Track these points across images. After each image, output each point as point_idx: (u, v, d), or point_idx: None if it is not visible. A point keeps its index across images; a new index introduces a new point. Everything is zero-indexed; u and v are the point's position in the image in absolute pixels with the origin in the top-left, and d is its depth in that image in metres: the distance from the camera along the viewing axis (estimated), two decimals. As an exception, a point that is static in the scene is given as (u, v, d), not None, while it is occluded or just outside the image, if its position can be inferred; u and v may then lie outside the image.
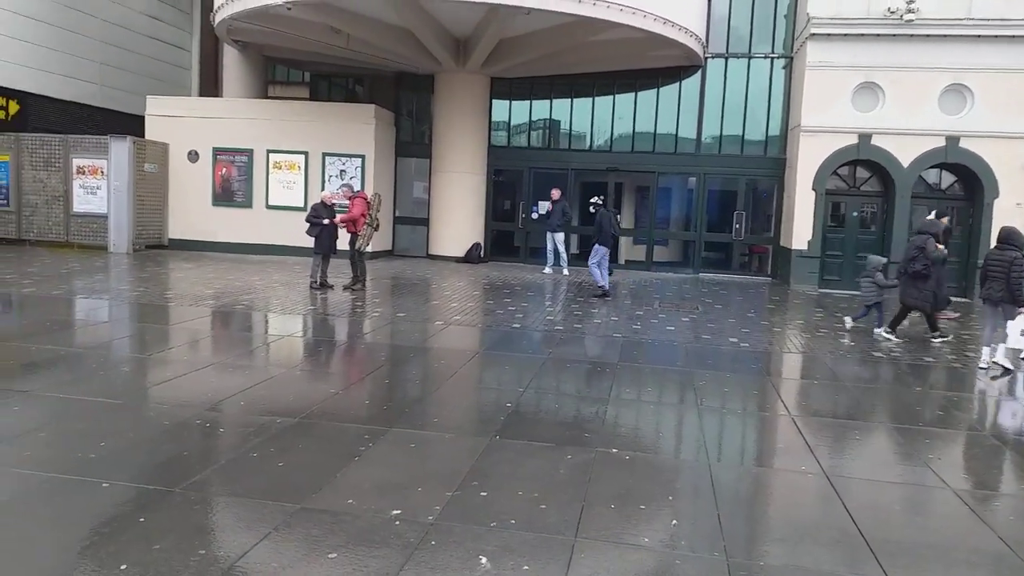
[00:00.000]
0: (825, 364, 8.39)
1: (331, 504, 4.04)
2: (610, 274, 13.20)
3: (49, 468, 4.34)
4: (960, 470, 5.23)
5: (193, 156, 17.08)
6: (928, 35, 14.63)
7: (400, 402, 6.22)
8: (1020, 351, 8.52)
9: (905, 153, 14.93)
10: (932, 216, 11.30)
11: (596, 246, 12.78)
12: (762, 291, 15.04)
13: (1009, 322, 8.35)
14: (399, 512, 3.95)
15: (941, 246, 10.00)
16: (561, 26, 14.46)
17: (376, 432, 5.23)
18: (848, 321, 10.85)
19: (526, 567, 3.46)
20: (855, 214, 15.93)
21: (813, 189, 15.39)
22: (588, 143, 17.88)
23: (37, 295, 10.40)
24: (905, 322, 10.45)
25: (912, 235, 10.11)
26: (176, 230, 17.24)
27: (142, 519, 3.76)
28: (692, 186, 17.69)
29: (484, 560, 3.49)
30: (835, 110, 15.09)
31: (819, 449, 5.32)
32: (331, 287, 12.06)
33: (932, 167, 15.21)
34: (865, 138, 15.09)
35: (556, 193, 16.29)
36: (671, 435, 5.84)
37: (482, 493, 4.25)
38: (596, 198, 13.28)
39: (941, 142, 14.82)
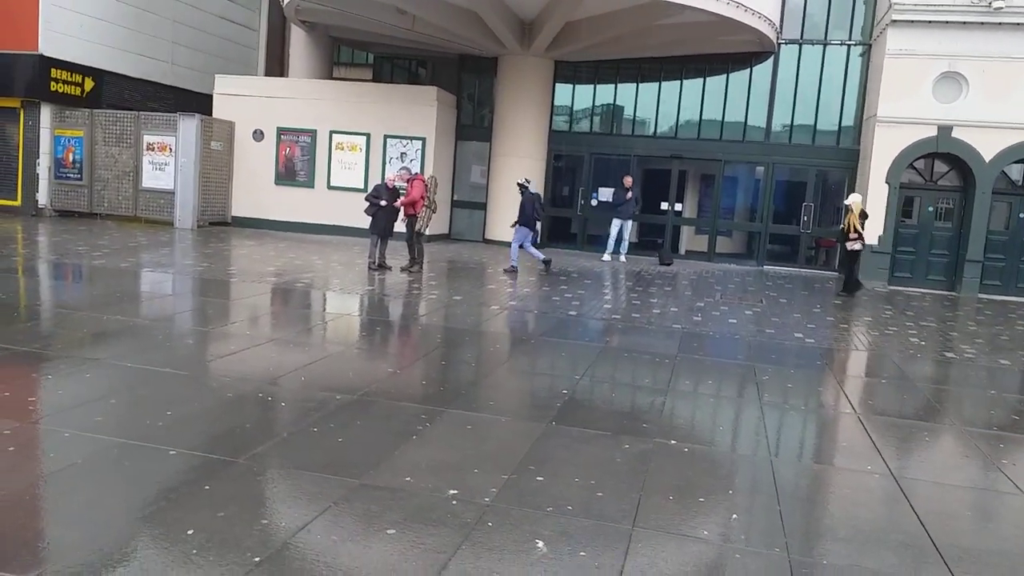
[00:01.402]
0: (893, 363, 8.08)
1: (389, 481, 4.05)
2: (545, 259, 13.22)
3: (119, 434, 4.46)
4: (1040, 479, 4.97)
5: (258, 135, 17.38)
6: (1018, 23, 13.91)
7: (456, 384, 6.22)
8: None
9: (988, 147, 14.27)
10: None
11: (518, 227, 12.87)
12: (828, 286, 14.60)
13: None
14: (456, 492, 3.94)
15: None
16: (630, 8, 14.22)
17: (433, 412, 5.23)
18: None
19: (583, 553, 3.40)
20: (930, 209, 15.32)
21: (887, 182, 14.85)
22: (652, 129, 17.59)
23: (107, 267, 10.74)
24: None
25: None
26: (239, 208, 17.61)
27: (207, 487, 3.82)
28: (759, 176, 17.25)
29: (541, 544, 3.45)
30: (914, 100, 14.50)
31: (885, 449, 5.12)
32: (389, 268, 12.15)
33: (1017, 162, 14.51)
34: (945, 130, 14.46)
35: (629, 180, 16.04)
36: (731, 429, 5.69)
37: (538, 478, 4.21)
38: (522, 178, 13.20)
39: (1028, 136, 14.12)
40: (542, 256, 13.28)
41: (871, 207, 14.93)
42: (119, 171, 16.89)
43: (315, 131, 17.08)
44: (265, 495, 3.83)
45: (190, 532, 3.34)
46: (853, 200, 13.11)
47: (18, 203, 17.06)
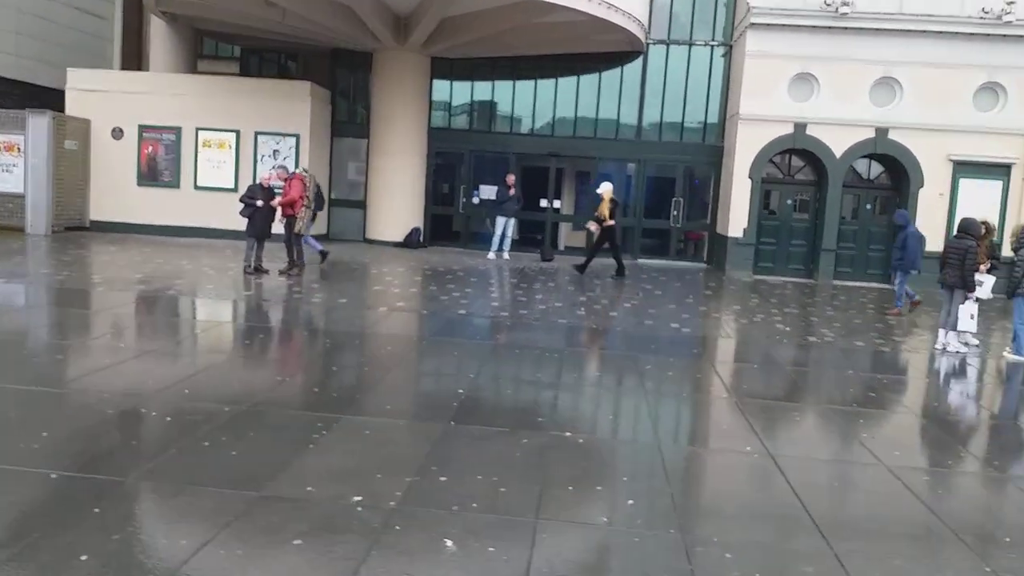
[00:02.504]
0: (761, 348, 8.65)
1: (290, 492, 3.98)
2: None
3: (-12, 460, 4.13)
4: (895, 447, 5.47)
5: (117, 133, 16.36)
6: (861, 28, 15.12)
7: (350, 389, 6.15)
8: (967, 333, 8.97)
9: (838, 143, 15.44)
10: None
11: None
12: (699, 278, 15.38)
13: (960, 307, 8.78)
14: (360, 498, 3.92)
15: None
16: (505, 7, 14.38)
17: (328, 419, 5.16)
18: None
19: (491, 548, 3.48)
20: (789, 202, 16.42)
21: (749, 177, 15.78)
22: (530, 127, 17.88)
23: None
24: None
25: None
26: (99, 211, 16.50)
27: (97, 509, 3.62)
28: (632, 172, 17.90)
29: (449, 543, 3.50)
30: (772, 99, 15.48)
31: (760, 430, 5.49)
32: (266, 272, 11.75)
33: (863, 157, 15.77)
34: (800, 127, 15.53)
35: (511, 179, 16.22)
36: (621, 418, 5.94)
37: (442, 478, 4.25)
38: (299, 168, 13.22)
39: (871, 133, 15.37)
40: (320, 247, 13.00)
41: (735, 201, 15.86)
42: (-38, 172, 15.44)
43: (180, 128, 16.25)
44: (161, 514, 3.67)
45: (84, 558, 3.17)
46: (604, 189, 14.03)
47: None
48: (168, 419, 5.03)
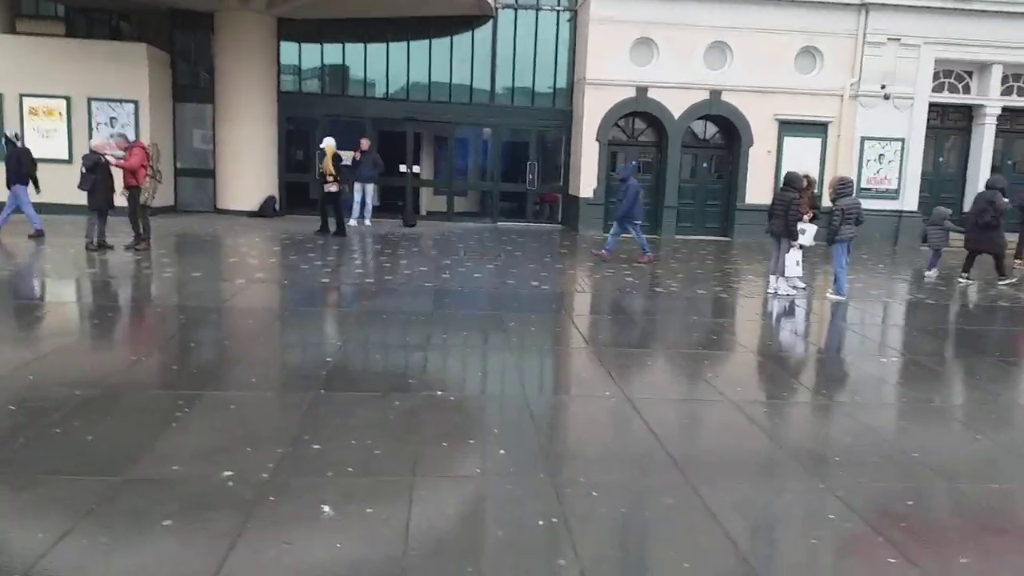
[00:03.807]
0: (613, 301, 9.15)
1: (155, 473, 3.89)
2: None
3: None
4: (737, 384, 6.02)
5: (-80, 102, 14.69)
6: (695, -8, 15.93)
7: (211, 365, 6.00)
8: (795, 278, 9.83)
9: (676, 105, 16.28)
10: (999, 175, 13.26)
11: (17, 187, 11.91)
12: (555, 238, 15.88)
13: (786, 255, 9.60)
14: (231, 474, 3.89)
15: (1006, 200, 11.58)
16: (351, -33, 14.03)
17: (190, 397, 5.03)
18: (930, 274, 11.96)
19: (369, 510, 3.58)
20: (633, 163, 17.17)
21: (597, 140, 16.36)
22: (384, 91, 17.62)
23: None
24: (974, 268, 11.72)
25: (981, 190, 12.06)
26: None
27: (-64, 511, 3.41)
28: (487, 137, 18.09)
29: (327, 508, 3.57)
30: (615, 64, 16.05)
31: (617, 376, 5.88)
32: (111, 247, 11.07)
33: (699, 119, 16.73)
34: (642, 91, 16.23)
35: (365, 143, 15.94)
36: (489, 375, 6.16)
37: (314, 446, 4.29)
38: (10, 132, 12.95)
39: (706, 95, 16.32)
40: (39, 224, 12.04)
41: (585, 163, 16.42)
42: None
43: (1, 95, 14.79)
44: (14, 508, 3.49)
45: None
46: (327, 144, 14.00)
47: None
48: (11, 408, 4.73)
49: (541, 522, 3.52)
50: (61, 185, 13.81)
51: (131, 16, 18.11)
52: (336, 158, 13.80)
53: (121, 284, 9.05)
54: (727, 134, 17.06)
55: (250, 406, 4.97)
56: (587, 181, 16.46)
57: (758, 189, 16.62)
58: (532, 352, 6.76)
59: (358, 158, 15.77)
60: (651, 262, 12.21)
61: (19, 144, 12.19)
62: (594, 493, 3.83)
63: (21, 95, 14.87)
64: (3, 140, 11.91)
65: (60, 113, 15.02)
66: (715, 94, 16.32)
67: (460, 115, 17.67)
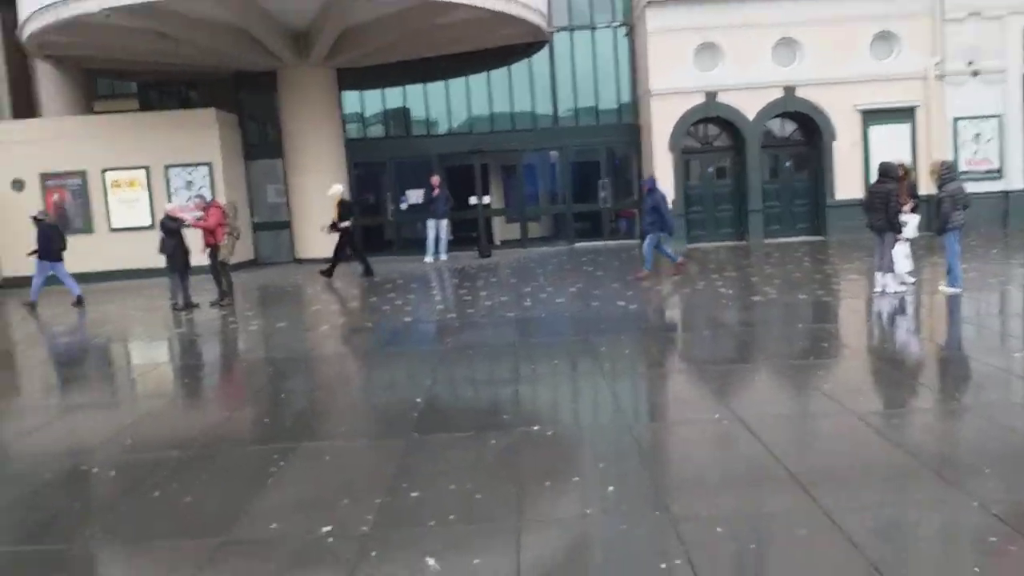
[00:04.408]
0: (709, 314, 8.69)
1: (254, 532, 3.73)
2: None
3: (-89, 551, 3.76)
4: (857, 393, 5.51)
5: (18, 185, 15.53)
6: (754, -7, 15.45)
7: (303, 416, 5.88)
8: (903, 274, 9.15)
9: (749, 106, 15.73)
10: None
11: (40, 261, 12.33)
12: (635, 254, 15.44)
13: (892, 250, 8.94)
14: (329, 528, 3.70)
15: None
16: (403, 11, 14.15)
17: (284, 450, 4.90)
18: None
19: (476, 560, 3.32)
20: (710, 169, 16.67)
21: (670, 150, 15.95)
22: (448, 127, 17.71)
23: None
24: None
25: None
26: (11, 267, 15.63)
27: (44, 586, 3.32)
28: (555, 159, 17.92)
29: (431, 562, 3.32)
30: (680, 72, 15.66)
31: (724, 396, 5.46)
32: (196, 306, 11.27)
33: (775, 117, 16.13)
34: (711, 96, 15.77)
35: (436, 180, 15.97)
36: (586, 404, 5.84)
37: (413, 494, 4.06)
38: (36, 211, 12.99)
39: (779, 93, 15.73)
40: (78, 290, 12.48)
41: (659, 175, 15.98)
42: None
43: (85, 171, 15.53)
44: (115, 581, 3.38)
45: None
46: (334, 191, 14.04)
47: None
48: (112, 474, 4.69)
49: (663, 565, 3.17)
50: (147, 251, 14.31)
51: (198, 84, 18.87)
52: (343, 204, 13.90)
53: (209, 341, 9.15)
54: (807, 130, 16.37)
55: (344, 455, 4.80)
56: (664, 192, 15.96)
57: (848, 183, 15.84)
58: (629, 376, 6.41)
59: (436, 194, 15.75)
60: (646, 278, 11.36)
61: (46, 222, 12.65)
62: (718, 528, 3.46)
63: (103, 170, 15.55)
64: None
65: (140, 183, 15.61)
66: (789, 91, 15.71)
67: (525, 141, 17.56)
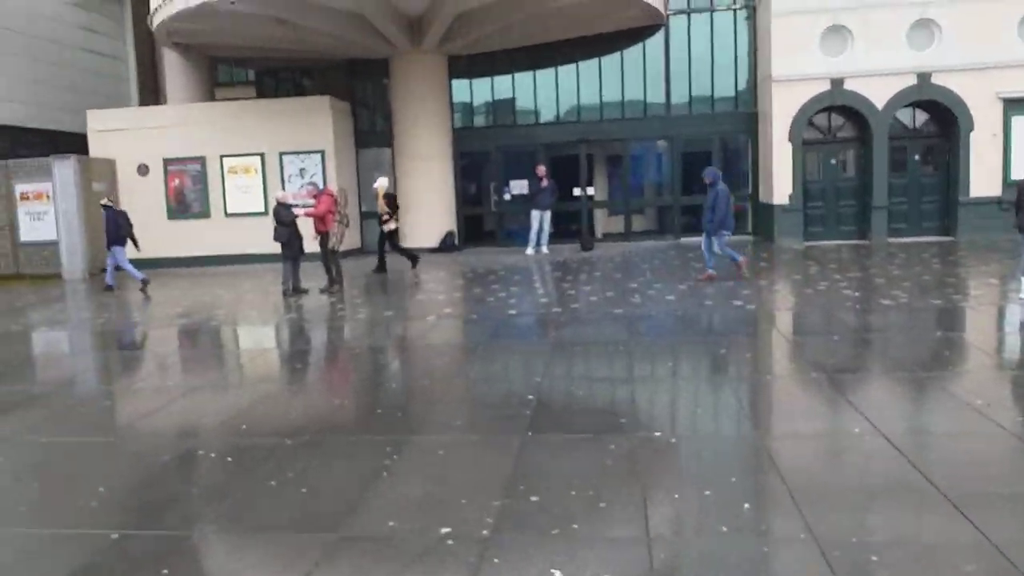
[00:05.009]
0: (836, 317, 8.11)
1: (371, 529, 3.62)
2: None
3: (48, 523, 3.86)
4: (1014, 410, 4.95)
5: (143, 170, 16.29)
6: (890, -29, 14.43)
7: (414, 407, 5.78)
8: None
9: (878, 95, 14.73)
10: None
11: (115, 247, 12.80)
12: (747, 250, 14.78)
13: None
14: (448, 530, 3.53)
15: None
16: (517, -5, 13.96)
17: (397, 443, 4.80)
18: None
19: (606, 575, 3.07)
20: (832, 162, 15.74)
21: (789, 140, 15.16)
22: (555, 115, 17.42)
23: (-2, 332, 9.71)
24: None
25: None
26: (132, 249, 16.39)
27: (166, 571, 3.29)
28: (664, 150, 17.37)
29: (558, 574, 3.10)
30: (805, 57, 14.82)
31: (862, 407, 5.00)
32: (306, 292, 11.47)
33: (906, 106, 15.05)
34: (838, 83, 14.86)
35: (543, 170, 15.72)
36: (709, 411, 5.48)
37: (532, 498, 3.85)
38: (104, 199, 13.45)
39: (913, 80, 14.65)
40: (141, 275, 12.73)
41: (777, 167, 15.25)
42: (-7, 226, 15.47)
43: (204, 158, 16.12)
44: (236, 568, 3.32)
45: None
46: (380, 184, 13.52)
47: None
48: (228, 460, 4.70)
49: (820, 598, 2.83)
50: (259, 236, 14.75)
51: (313, 71, 19.28)
52: (388, 197, 13.67)
53: (319, 327, 9.25)
54: (940, 121, 15.20)
55: (458, 451, 4.65)
56: (781, 186, 15.25)
57: (984, 179, 14.64)
58: (752, 383, 6.00)
59: (544, 185, 15.53)
60: (713, 279, 10.62)
61: (114, 208, 13.16)
62: (873, 557, 3.09)
63: (221, 156, 16.10)
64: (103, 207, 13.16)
65: (255, 169, 16.08)
66: (923, 77, 14.61)
67: (634, 131, 17.08)
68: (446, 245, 16.79)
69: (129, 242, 12.95)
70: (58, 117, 17.96)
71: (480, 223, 18.15)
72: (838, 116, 15.50)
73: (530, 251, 15.61)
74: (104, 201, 13.29)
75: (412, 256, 13.87)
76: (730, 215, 10.86)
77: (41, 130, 17.55)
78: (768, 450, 4.35)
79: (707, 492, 3.85)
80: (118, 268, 12.98)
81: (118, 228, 12.80)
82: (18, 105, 17.17)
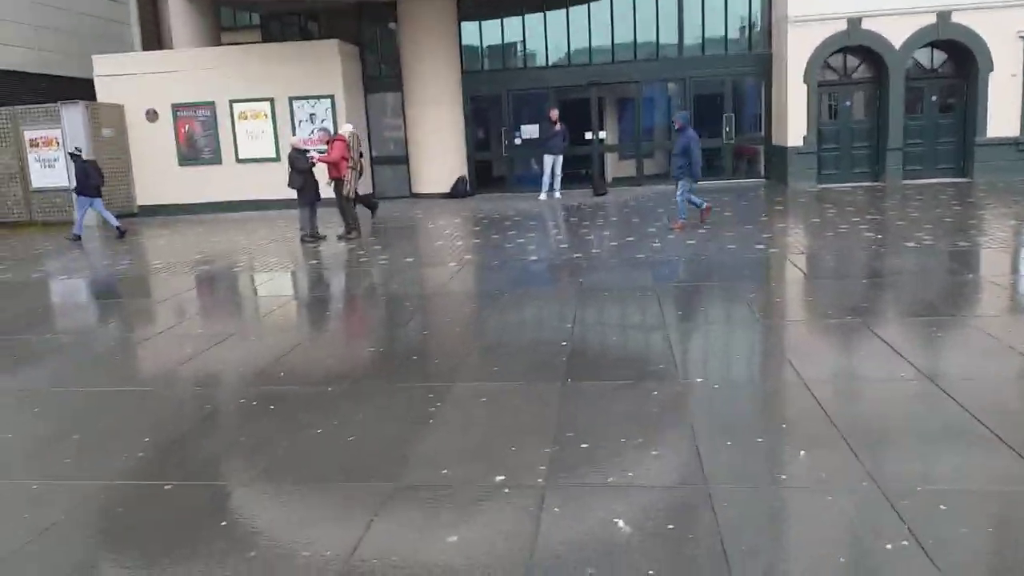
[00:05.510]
0: (861, 261, 8.08)
1: (425, 478, 3.65)
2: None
3: (97, 476, 3.88)
4: (1056, 357, 4.96)
5: (152, 115, 16.05)
6: (910, -99, 13.97)
7: (449, 353, 5.79)
8: None
9: (896, 34, 14.41)
10: None
11: (80, 196, 12.85)
12: (761, 193, 14.69)
13: None
14: (503, 478, 3.57)
15: None
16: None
17: (438, 390, 4.82)
18: None
19: (670, 526, 3.10)
20: (847, 103, 15.49)
21: (804, 82, 14.88)
22: (566, 58, 17.06)
23: (13, 281, 9.70)
24: None
25: None
26: (145, 196, 16.32)
27: (223, 523, 3.33)
28: (676, 93, 17.06)
29: (621, 523, 3.13)
30: (821, -5, 14.45)
31: (904, 351, 5.01)
32: (324, 238, 11.44)
33: (924, 46, 14.72)
34: (855, 22, 14.52)
35: (555, 113, 15.47)
36: (748, 356, 5.50)
37: (583, 445, 3.88)
38: (73, 148, 13.53)
39: (932, 19, 14.30)
40: (117, 223, 13.08)
41: (792, 109, 15.00)
42: (3, 174, 15.32)
43: (213, 103, 15.86)
44: (294, 520, 3.34)
45: (229, 583, 2.88)
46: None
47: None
48: (271, 408, 4.73)
49: (888, 546, 2.86)
50: (271, 182, 14.63)
51: (319, 15, 18.84)
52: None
53: (343, 274, 9.23)
54: (959, 61, 14.89)
55: (500, 398, 4.66)
56: (795, 128, 15.03)
57: (1002, 120, 14.43)
58: (788, 327, 6.00)
59: (556, 129, 15.30)
60: (683, 228, 10.38)
61: (82, 158, 13.03)
62: (942, 506, 3.11)
63: (231, 101, 15.83)
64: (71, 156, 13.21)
65: (265, 114, 15.83)
66: (943, 16, 14.26)
67: (647, 73, 16.76)
68: (458, 191, 16.65)
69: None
70: (62, 62, 17.61)
71: (490, 169, 17.95)
72: (854, 57, 15.18)
73: (543, 196, 15.49)
74: (72, 150, 13.29)
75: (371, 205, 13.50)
76: (697, 163, 10.34)
77: (45, 75, 17.23)
78: (815, 396, 4.36)
79: (759, 439, 3.88)
80: (104, 220, 13.17)
81: (87, 177, 12.75)
82: (22, 50, 16.81)
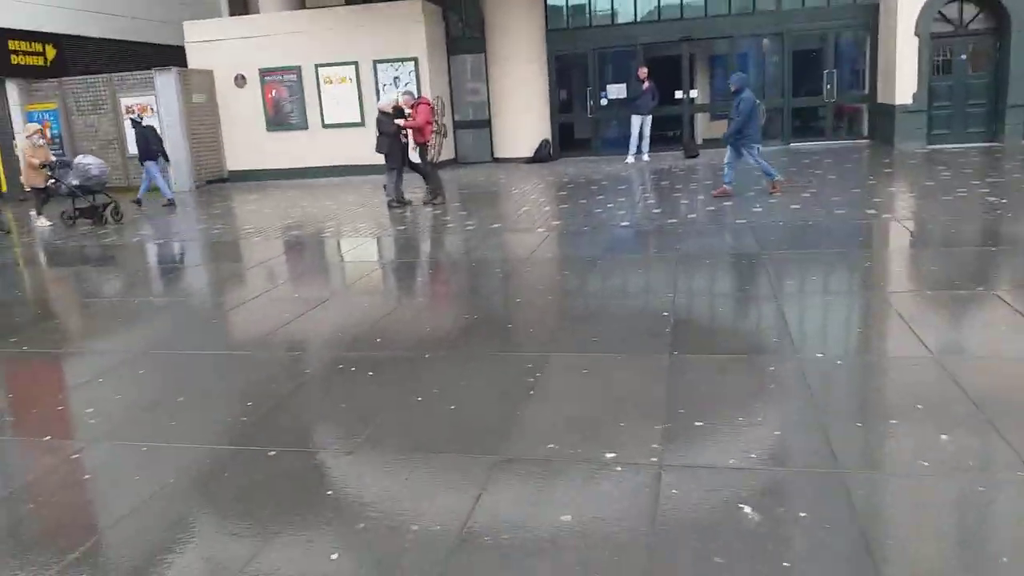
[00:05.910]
0: (986, 227, 7.46)
1: (531, 451, 3.49)
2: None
3: (204, 439, 3.88)
4: None
5: (240, 81, 16.28)
6: None
7: (545, 322, 5.62)
8: None
9: (1024, -23, 13.25)
10: None
11: (149, 163, 13.03)
12: (866, 155, 13.86)
13: None
14: (614, 455, 3.37)
15: None
16: None
17: (538, 360, 4.64)
18: None
19: (802, 513, 2.85)
20: (963, 57, 14.37)
21: (916, 34, 13.86)
22: (655, 13, 16.39)
23: (114, 244, 10.01)
24: None
25: None
26: (235, 161, 16.65)
27: (329, 492, 3.26)
28: (772, 48, 16.21)
29: (748, 510, 2.89)
30: (940, -64, 13.37)
31: (1052, 328, 4.54)
32: (409, 203, 11.38)
33: (1053, -9, 13.49)
34: (976, -34, 13.41)
35: (644, 72, 14.93)
36: (869, 329, 5.10)
37: (696, 423, 3.64)
38: (135, 114, 13.72)
39: (1065, -41, 13.08)
40: (170, 194, 13.41)
41: (901, 64, 14.02)
42: (102, 140, 15.88)
43: (299, 68, 15.96)
44: (399, 491, 3.23)
45: (333, 556, 2.80)
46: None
47: (3, 189, 16.12)
48: (370, 374, 4.65)
49: (1062, 546, 2.54)
50: (355, 147, 14.67)
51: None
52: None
53: (432, 240, 9.15)
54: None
55: (603, 370, 4.45)
56: (904, 85, 14.05)
57: None
58: (911, 299, 5.56)
59: (645, 88, 14.78)
60: (782, 191, 9.77)
61: (143, 124, 13.21)
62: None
63: (316, 66, 15.89)
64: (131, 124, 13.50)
65: (350, 79, 15.83)
66: (1079, -45, 13.02)
67: (742, 27, 15.96)
68: (541, 155, 16.35)
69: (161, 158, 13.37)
70: (152, 29, 18.05)
71: (574, 131, 17.54)
72: (971, 6, 14.02)
73: (630, 159, 15.04)
74: (133, 116, 13.58)
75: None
76: (755, 125, 9.83)
77: (138, 43, 17.71)
78: (950, 373, 3.99)
79: (892, 421, 3.55)
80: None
81: (148, 143, 12.97)
82: (116, 19, 17.29)
